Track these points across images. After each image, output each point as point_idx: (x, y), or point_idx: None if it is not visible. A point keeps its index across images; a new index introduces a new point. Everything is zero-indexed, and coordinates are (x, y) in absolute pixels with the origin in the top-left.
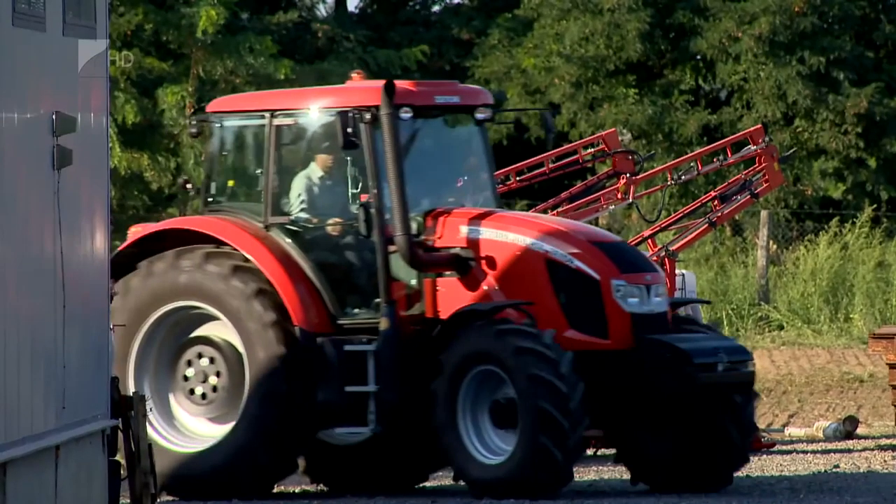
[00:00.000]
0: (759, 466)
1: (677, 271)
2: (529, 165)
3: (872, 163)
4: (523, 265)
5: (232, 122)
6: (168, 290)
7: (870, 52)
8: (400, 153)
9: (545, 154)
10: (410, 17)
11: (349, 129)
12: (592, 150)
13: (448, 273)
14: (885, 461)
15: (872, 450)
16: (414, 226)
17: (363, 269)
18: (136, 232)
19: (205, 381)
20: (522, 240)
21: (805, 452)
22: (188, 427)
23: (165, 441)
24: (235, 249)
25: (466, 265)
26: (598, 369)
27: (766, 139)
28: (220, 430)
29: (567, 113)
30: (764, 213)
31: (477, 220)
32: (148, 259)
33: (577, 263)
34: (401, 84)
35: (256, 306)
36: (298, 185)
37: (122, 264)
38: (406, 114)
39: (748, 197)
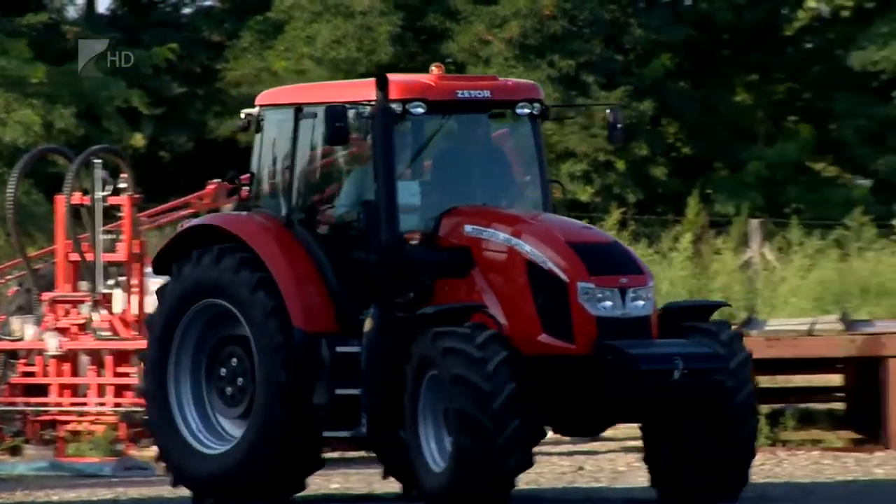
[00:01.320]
0: None
1: None
2: None
3: (621, 165)
4: (510, 267)
5: (271, 115)
6: (191, 289)
7: (619, 56)
8: (390, 150)
9: None
10: (161, 18)
11: (338, 124)
12: (346, 152)
13: (446, 274)
14: (629, 463)
15: (618, 451)
16: (424, 225)
17: (371, 268)
18: (179, 230)
19: (233, 381)
20: (511, 241)
21: (550, 454)
22: (225, 429)
23: (203, 447)
24: (245, 244)
25: (462, 267)
26: (562, 375)
27: None
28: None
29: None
30: None
31: (479, 220)
32: (177, 262)
33: (550, 265)
34: (420, 78)
35: (260, 295)
36: (319, 180)
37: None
38: (417, 109)
39: None
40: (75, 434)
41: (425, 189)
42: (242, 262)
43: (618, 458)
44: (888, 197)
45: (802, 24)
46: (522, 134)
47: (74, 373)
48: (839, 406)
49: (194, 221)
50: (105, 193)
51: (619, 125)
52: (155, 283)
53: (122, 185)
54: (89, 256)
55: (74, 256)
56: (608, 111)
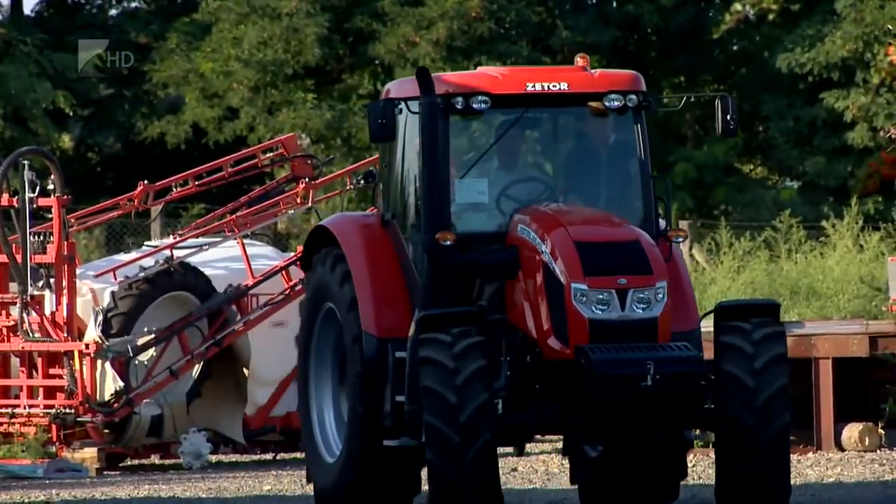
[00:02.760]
0: None
1: None
2: (208, 170)
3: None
4: (533, 268)
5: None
6: (313, 294)
7: (547, 58)
8: (435, 146)
9: (224, 158)
10: (87, 20)
11: (381, 121)
12: (271, 154)
13: (503, 276)
14: (562, 464)
15: (550, 453)
16: (496, 225)
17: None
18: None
19: None
20: (535, 241)
21: None
22: None
23: (329, 456)
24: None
25: (512, 268)
26: (555, 380)
27: None
28: None
29: (246, 117)
30: None
31: (527, 219)
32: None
33: (554, 266)
34: (489, 70)
35: (346, 288)
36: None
37: None
38: (481, 104)
39: None
40: (7, 436)
41: (501, 187)
42: (336, 258)
43: (550, 460)
44: (816, 199)
45: (729, 27)
46: (619, 128)
47: (5, 375)
48: None
49: (322, 222)
50: (33, 195)
51: (729, 115)
52: (86, 284)
53: (50, 187)
54: (19, 258)
55: (3, 258)
56: (717, 101)
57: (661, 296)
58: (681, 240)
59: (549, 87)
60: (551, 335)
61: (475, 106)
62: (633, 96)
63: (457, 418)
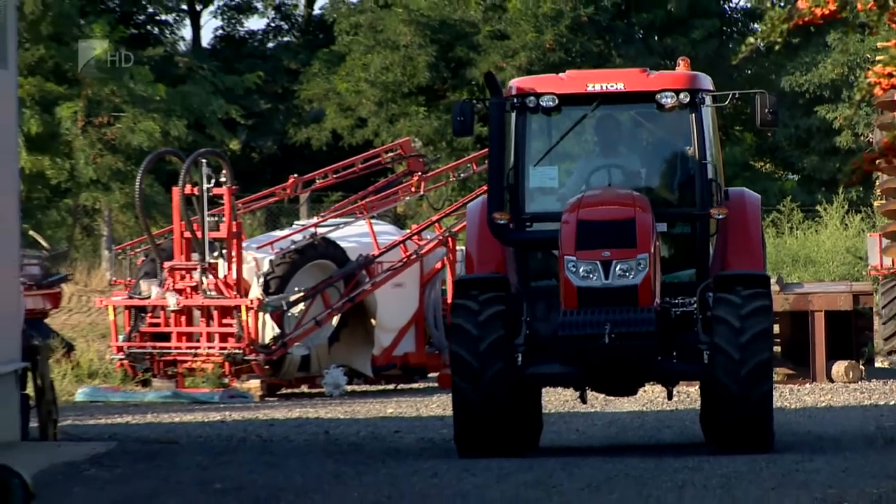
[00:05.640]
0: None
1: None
2: (344, 166)
3: None
4: (559, 242)
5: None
6: None
7: None
8: (500, 137)
9: (355, 157)
10: (251, 51)
11: (460, 118)
12: (392, 154)
13: (535, 246)
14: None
15: None
16: (561, 207)
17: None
18: None
19: None
20: (563, 220)
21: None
22: None
23: None
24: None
25: (546, 242)
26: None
27: None
28: None
29: (372, 125)
30: None
31: (570, 200)
32: None
33: (561, 241)
34: (558, 75)
35: None
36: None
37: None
38: (548, 102)
39: None
40: (191, 371)
41: (568, 174)
42: None
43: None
44: (811, 189)
45: (744, 55)
46: (676, 121)
47: (189, 323)
48: (777, 349)
49: None
50: (210, 186)
51: (767, 108)
52: (250, 254)
53: (222, 180)
54: (199, 234)
55: (187, 234)
56: (757, 96)
57: (642, 266)
58: (721, 216)
59: (607, 86)
60: (560, 300)
61: (544, 104)
62: (686, 94)
63: (477, 348)
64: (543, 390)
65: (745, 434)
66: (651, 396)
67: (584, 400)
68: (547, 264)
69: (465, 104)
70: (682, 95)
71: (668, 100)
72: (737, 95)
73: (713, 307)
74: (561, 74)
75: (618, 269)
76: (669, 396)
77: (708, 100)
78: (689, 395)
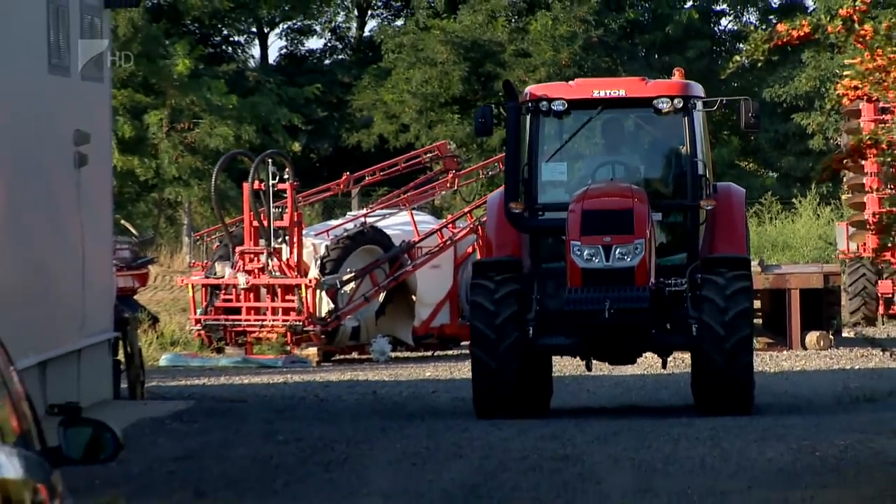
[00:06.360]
0: None
1: None
2: (389, 165)
3: None
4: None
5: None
6: None
7: None
8: (516, 136)
9: (399, 157)
10: (311, 67)
11: (481, 120)
12: (430, 155)
13: (546, 232)
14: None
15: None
16: (568, 198)
17: None
18: None
19: None
20: (569, 209)
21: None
22: None
23: None
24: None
25: (555, 229)
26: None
27: None
28: None
29: (413, 130)
30: None
31: (577, 192)
32: None
33: (567, 228)
34: (567, 83)
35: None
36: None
37: None
38: (559, 105)
39: None
40: (258, 340)
41: (576, 169)
42: None
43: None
44: (788, 184)
45: (731, 70)
46: (670, 124)
47: (257, 299)
48: (758, 321)
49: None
50: (275, 182)
51: (751, 113)
52: (309, 240)
53: (286, 177)
54: (265, 223)
55: (255, 223)
56: (741, 102)
57: (639, 250)
58: (709, 207)
59: (610, 93)
60: (567, 279)
61: (555, 108)
62: (679, 99)
63: (494, 322)
64: (559, 359)
65: (729, 399)
66: (651, 362)
67: (589, 367)
68: (556, 248)
69: (486, 108)
70: (676, 101)
71: (663, 105)
72: (724, 101)
73: (701, 287)
74: (570, 82)
75: (617, 252)
76: (664, 365)
77: (699, 105)
78: (684, 360)
